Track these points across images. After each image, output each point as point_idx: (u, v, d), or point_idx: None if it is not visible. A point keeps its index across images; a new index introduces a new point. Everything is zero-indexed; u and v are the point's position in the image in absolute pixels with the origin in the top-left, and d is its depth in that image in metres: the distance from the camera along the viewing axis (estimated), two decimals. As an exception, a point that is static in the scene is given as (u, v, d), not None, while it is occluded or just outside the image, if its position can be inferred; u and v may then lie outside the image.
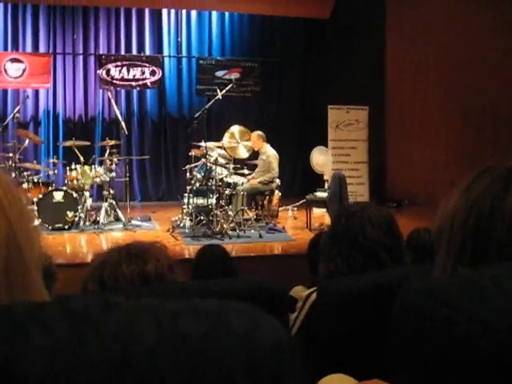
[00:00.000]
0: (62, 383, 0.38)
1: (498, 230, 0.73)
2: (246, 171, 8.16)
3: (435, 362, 0.54)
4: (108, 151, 8.27)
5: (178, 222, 7.75)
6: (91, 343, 0.40)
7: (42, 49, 11.04)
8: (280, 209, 8.77)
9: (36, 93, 10.96)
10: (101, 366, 0.39)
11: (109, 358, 0.39)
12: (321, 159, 9.52)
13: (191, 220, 7.51)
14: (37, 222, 7.53)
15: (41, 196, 7.61)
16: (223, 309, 0.45)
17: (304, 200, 8.61)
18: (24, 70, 10.70)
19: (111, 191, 8.17)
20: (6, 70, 10.62)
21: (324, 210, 8.26)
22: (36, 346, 0.39)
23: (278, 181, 8.43)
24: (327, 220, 8.13)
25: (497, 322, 0.49)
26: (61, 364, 0.38)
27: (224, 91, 8.34)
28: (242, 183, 7.81)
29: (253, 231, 7.46)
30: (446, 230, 0.80)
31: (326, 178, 9.16)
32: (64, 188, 7.90)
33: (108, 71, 11.07)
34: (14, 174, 7.89)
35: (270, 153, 8.20)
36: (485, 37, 8.05)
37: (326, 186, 8.70)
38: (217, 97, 8.25)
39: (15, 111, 8.61)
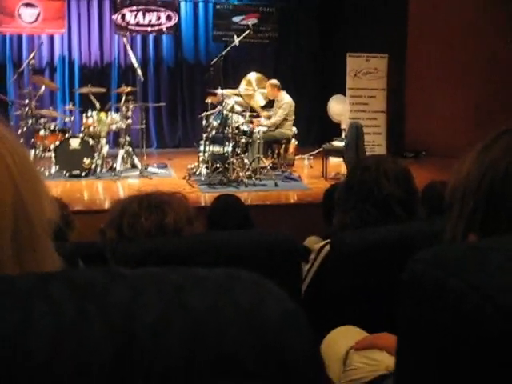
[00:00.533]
0: (66, 359, 0.38)
1: (511, 198, 0.71)
2: (263, 120, 8.08)
3: (440, 335, 0.53)
4: (124, 98, 8.23)
5: (194, 170, 7.76)
6: (95, 318, 0.39)
7: (56, -7, 10.86)
8: (296, 157, 8.73)
9: (51, 38, 10.84)
10: (105, 342, 0.38)
11: (112, 333, 0.39)
12: (338, 108, 9.41)
13: (207, 168, 7.52)
14: (53, 170, 7.58)
15: (58, 143, 7.63)
16: (229, 281, 0.44)
17: (320, 149, 8.56)
18: (38, 15, 10.57)
19: (127, 138, 8.17)
20: (20, 15, 10.49)
21: (340, 159, 8.21)
22: (40, 321, 0.38)
23: (294, 129, 8.36)
24: (343, 169, 8.09)
25: (509, 303, 0.48)
26: (65, 340, 0.38)
27: (241, 37, 8.21)
28: (259, 131, 7.75)
29: (269, 180, 7.46)
30: (459, 191, 0.78)
31: (343, 127, 9.07)
32: (80, 135, 7.91)
33: (123, 16, 10.90)
34: (30, 121, 7.91)
35: (284, 100, 8.08)
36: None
37: (343, 135, 8.62)
38: (234, 43, 8.12)
39: (30, 57, 8.56)
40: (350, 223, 1.91)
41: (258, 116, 8.25)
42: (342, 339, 1.37)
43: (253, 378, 0.40)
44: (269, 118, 8.17)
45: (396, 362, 0.66)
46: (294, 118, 8.16)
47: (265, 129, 7.92)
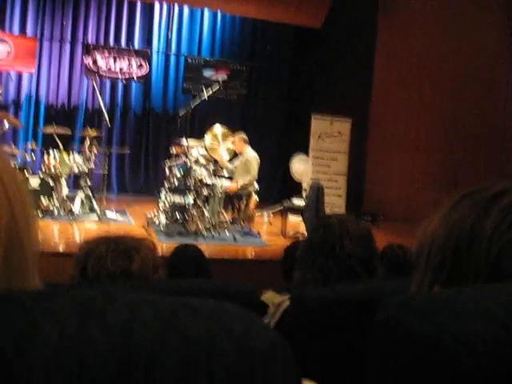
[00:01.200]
0: (69, 372, 0.38)
1: (476, 254, 0.76)
2: (225, 173, 8.13)
3: (414, 376, 0.55)
4: (89, 141, 8.19)
5: (154, 218, 7.71)
6: (97, 334, 0.40)
7: (29, 32, 10.90)
8: (256, 213, 8.77)
9: (19, 76, 10.82)
10: (106, 357, 0.39)
11: (113, 349, 0.40)
12: (300, 167, 9.56)
13: (167, 218, 7.47)
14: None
15: (16, 181, 7.49)
16: (220, 308, 0.46)
17: (281, 206, 8.63)
18: (9, 52, 10.56)
19: (88, 182, 8.09)
20: (-10, 51, 10.47)
21: (300, 218, 8.29)
22: (44, 334, 0.39)
23: (256, 185, 8.43)
24: (302, 228, 8.15)
25: (480, 342, 0.50)
26: (67, 353, 0.39)
27: (211, 92, 8.33)
28: (221, 185, 7.78)
29: (228, 234, 7.45)
30: (426, 250, 0.83)
31: (304, 186, 9.18)
32: (40, 175, 7.81)
33: (95, 61, 10.98)
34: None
35: (250, 155, 8.18)
36: (476, 59, 8.15)
37: (304, 194, 8.73)
38: (203, 97, 8.24)
39: (-3, 93, 8.50)
40: (311, 279, 1.93)
41: (222, 169, 8.29)
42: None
43: None
44: (232, 172, 8.23)
45: None
46: (256, 173, 8.25)
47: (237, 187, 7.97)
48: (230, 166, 8.35)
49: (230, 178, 8.22)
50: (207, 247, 6.71)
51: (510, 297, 0.55)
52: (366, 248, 1.97)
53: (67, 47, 11.09)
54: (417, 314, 0.55)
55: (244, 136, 8.32)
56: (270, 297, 2.57)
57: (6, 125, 8.24)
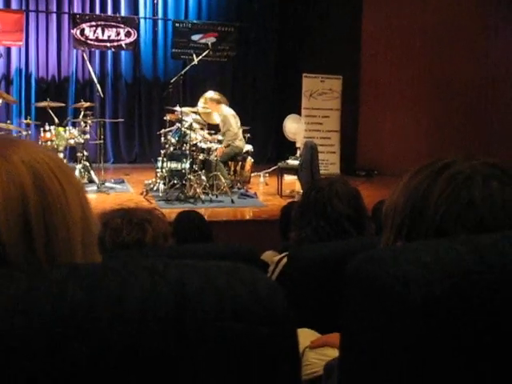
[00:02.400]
0: (154, 310, 0.55)
1: (426, 215, 0.95)
2: (219, 137, 8.24)
3: (373, 314, 0.72)
4: (82, 113, 8.28)
5: (152, 186, 7.86)
6: (163, 289, 0.56)
7: (14, 5, 10.83)
8: (252, 175, 8.92)
9: (8, 51, 10.80)
10: (170, 303, 0.55)
11: (175, 296, 0.56)
12: (293, 127, 9.66)
13: (165, 184, 7.62)
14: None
15: (14, 156, 7.60)
16: (236, 267, 0.62)
17: (276, 167, 8.78)
18: (-4, 27, 10.52)
19: (85, 153, 8.21)
20: (-24, 26, 10.43)
21: (295, 177, 8.43)
22: (135, 290, 0.56)
23: (250, 147, 8.56)
24: (298, 187, 8.31)
25: (412, 281, 0.67)
26: (150, 301, 0.55)
27: (201, 56, 8.38)
28: (216, 148, 7.90)
29: (225, 196, 7.61)
30: (390, 213, 1.02)
31: (298, 145, 9.31)
32: (38, 149, 7.89)
33: (82, 31, 10.94)
34: (-14, 134, 7.88)
35: (225, 112, 8.22)
36: (466, 10, 8.17)
37: (298, 153, 8.86)
38: (193, 62, 8.30)
39: (-12, 69, 8.52)
40: (306, 238, 2.10)
41: (216, 133, 8.40)
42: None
43: (257, 325, 0.58)
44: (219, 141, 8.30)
45: (340, 351, 0.84)
46: (241, 129, 8.32)
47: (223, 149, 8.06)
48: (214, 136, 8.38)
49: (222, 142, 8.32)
50: (206, 210, 6.88)
51: (439, 250, 0.71)
52: (355, 207, 2.16)
53: (54, 19, 11.04)
54: (376, 264, 0.71)
55: (214, 96, 8.36)
56: (269, 255, 2.75)
57: (0, 101, 8.31)
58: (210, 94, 8.43)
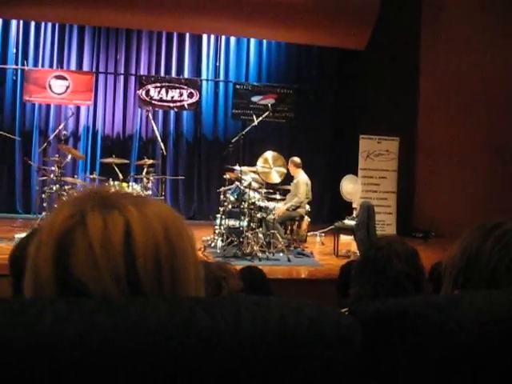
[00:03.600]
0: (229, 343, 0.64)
1: (480, 266, 1.11)
2: (278, 196, 8.38)
3: (428, 350, 0.81)
4: (145, 169, 8.58)
5: (210, 242, 8.00)
6: (246, 324, 0.65)
7: (85, 67, 11.48)
8: (309, 234, 8.96)
9: (77, 109, 11.37)
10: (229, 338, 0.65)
11: (239, 332, 0.64)
12: (350, 187, 9.71)
13: (222, 240, 7.75)
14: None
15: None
16: (301, 304, 0.72)
17: (332, 226, 8.80)
18: (67, 87, 11.13)
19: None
20: (50, 86, 11.06)
21: (351, 237, 8.43)
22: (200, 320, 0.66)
23: (307, 207, 8.64)
24: (354, 247, 8.29)
25: (468, 325, 0.76)
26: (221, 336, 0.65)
27: (261, 118, 8.62)
28: (274, 207, 8.03)
29: (282, 254, 7.67)
30: (449, 266, 1.19)
31: (354, 205, 9.33)
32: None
33: (147, 91, 11.45)
34: (54, 187, 8.25)
35: (299, 178, 8.43)
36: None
37: (355, 213, 8.87)
38: (254, 123, 8.54)
39: (60, 127, 9.00)
40: (365, 295, 2.15)
41: (274, 193, 8.55)
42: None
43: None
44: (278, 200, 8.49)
45: None
46: (310, 197, 8.48)
47: (284, 209, 8.21)
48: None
49: (283, 201, 8.46)
50: (262, 268, 6.92)
51: (491, 297, 0.82)
52: (413, 266, 2.22)
53: (121, 80, 11.62)
54: (435, 308, 0.81)
55: (295, 159, 8.59)
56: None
57: (69, 157, 8.72)
58: (295, 157, 8.66)
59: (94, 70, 11.50)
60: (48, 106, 11.34)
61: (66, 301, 0.63)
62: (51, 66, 11.33)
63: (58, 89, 11.11)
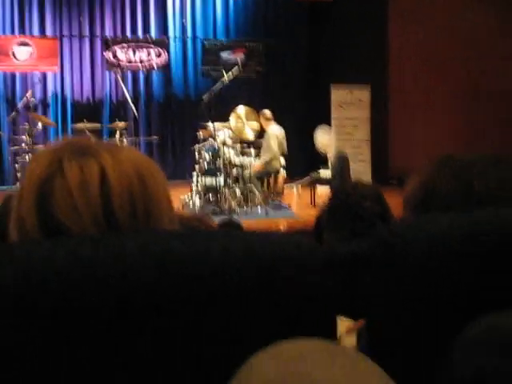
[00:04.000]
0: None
1: (436, 196, 1.18)
2: (253, 151, 8.40)
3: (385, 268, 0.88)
4: (118, 133, 8.52)
5: (188, 201, 8.04)
6: (193, 250, 0.72)
7: (48, 32, 11.22)
8: (285, 186, 9.03)
9: (44, 76, 11.16)
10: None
11: (210, 257, 0.71)
12: (324, 138, 9.74)
13: (200, 198, 7.80)
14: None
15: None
16: (284, 235, 0.77)
17: (308, 178, 8.88)
18: (31, 54, 10.90)
19: (121, 171, 8.40)
20: (14, 54, 10.82)
21: (328, 187, 8.52)
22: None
23: (282, 160, 8.68)
24: (331, 197, 8.36)
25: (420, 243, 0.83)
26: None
27: (231, 75, 8.55)
28: (250, 163, 8.06)
29: (259, 208, 7.74)
30: (409, 199, 1.26)
31: (329, 156, 9.40)
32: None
33: (114, 53, 11.27)
34: (27, 157, 8.16)
35: (269, 132, 8.40)
36: (498, 17, 8.18)
37: (330, 164, 8.95)
38: (224, 81, 8.48)
39: (28, 95, 8.84)
40: (340, 239, 2.23)
41: (249, 147, 8.56)
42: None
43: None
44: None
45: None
46: (285, 150, 8.49)
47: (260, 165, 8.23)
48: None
49: (258, 156, 8.48)
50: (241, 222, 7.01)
51: (442, 221, 0.88)
52: (382, 205, 2.29)
53: (87, 43, 11.39)
54: (400, 233, 0.88)
55: (266, 112, 8.53)
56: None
57: (39, 125, 8.61)
58: (265, 111, 8.59)
59: (57, 34, 11.24)
60: (13, 74, 11.11)
61: (51, 241, 0.67)
62: (13, 32, 11.04)
63: (22, 55, 10.87)
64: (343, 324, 1.72)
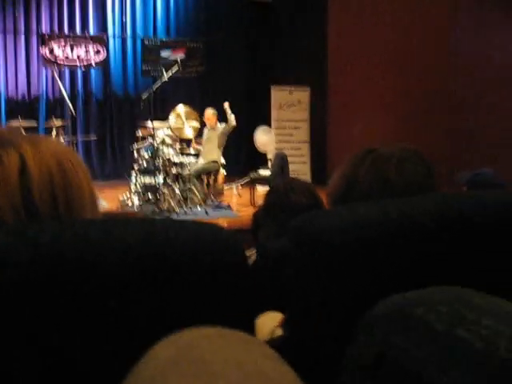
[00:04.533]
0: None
1: (356, 189, 1.23)
2: (192, 151, 8.39)
3: (302, 258, 0.92)
4: (54, 131, 8.34)
5: (127, 201, 7.95)
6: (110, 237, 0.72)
7: (-19, 26, 10.88)
8: (225, 187, 9.06)
9: (-24, 71, 10.82)
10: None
11: (128, 244, 0.71)
12: (264, 139, 9.85)
13: (139, 199, 7.73)
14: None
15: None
16: (202, 224, 0.78)
17: (248, 178, 8.94)
18: (-37, 48, 10.54)
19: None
20: None
21: (267, 187, 8.59)
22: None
23: (222, 160, 8.71)
24: (270, 197, 8.45)
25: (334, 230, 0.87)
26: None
27: (170, 72, 8.52)
28: (189, 163, 8.05)
29: (199, 209, 7.74)
30: (331, 193, 1.31)
31: (269, 156, 9.50)
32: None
33: (52, 50, 11.02)
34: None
35: (221, 130, 8.48)
36: (437, 18, 8.40)
37: (269, 164, 9.04)
38: (163, 79, 8.44)
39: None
40: (273, 234, 2.27)
41: (189, 146, 8.55)
42: (267, 321, 1.71)
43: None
44: (198, 151, 8.51)
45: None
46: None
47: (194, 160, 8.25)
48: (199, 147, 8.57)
49: (196, 155, 8.48)
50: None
51: (353, 209, 0.91)
52: (310, 197, 2.34)
53: (22, 39, 11.08)
54: (308, 221, 0.92)
55: (216, 111, 8.59)
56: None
57: (-29, 122, 8.34)
58: (212, 109, 8.61)
59: (-9, 28, 10.91)
60: None
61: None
62: None
63: (-46, 50, 10.49)
64: (274, 317, 1.76)
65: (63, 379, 0.67)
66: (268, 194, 2.48)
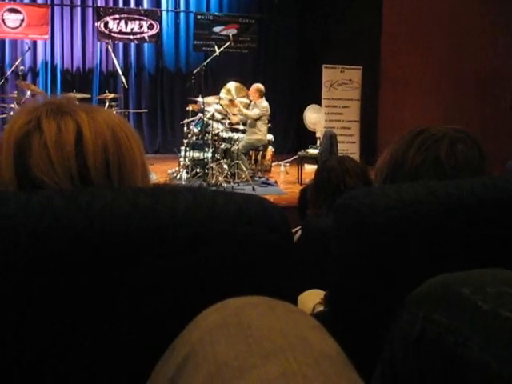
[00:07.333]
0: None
1: (404, 168, 1.21)
2: (241, 126, 8.41)
3: (346, 235, 0.92)
4: (107, 104, 8.49)
5: (175, 174, 8.06)
6: (200, 201, 0.74)
7: (39, 0, 11.09)
8: (273, 164, 9.07)
9: (34, 44, 11.06)
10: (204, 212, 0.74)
11: (176, 211, 0.73)
12: (314, 117, 9.79)
13: (187, 172, 7.82)
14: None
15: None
16: (250, 195, 0.80)
17: (296, 156, 8.92)
18: (22, 21, 10.77)
19: (110, 143, 8.40)
20: (4, 21, 10.69)
21: (315, 166, 8.56)
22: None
23: (271, 136, 8.71)
24: (318, 176, 8.42)
25: (378, 208, 0.88)
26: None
27: (222, 48, 8.52)
28: (238, 138, 8.07)
29: (246, 184, 7.78)
30: (379, 171, 1.29)
31: (318, 135, 9.44)
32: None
33: (106, 24, 11.17)
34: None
35: (264, 104, 8.31)
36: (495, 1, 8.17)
37: (318, 143, 8.99)
38: (215, 54, 8.45)
39: (17, 63, 8.76)
40: (322, 214, 2.27)
41: (238, 123, 8.55)
42: (309, 298, 1.72)
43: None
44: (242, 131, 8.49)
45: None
46: (269, 125, 8.45)
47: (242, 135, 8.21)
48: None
49: (245, 131, 8.48)
50: (228, 198, 7.04)
51: (401, 188, 0.92)
52: (365, 181, 2.32)
53: (78, 12, 11.27)
54: (353, 199, 0.93)
55: (260, 87, 8.43)
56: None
57: (28, 93, 8.55)
58: (259, 85, 8.46)
59: (49, 2, 11.11)
60: (3, 41, 10.97)
61: (27, 193, 0.70)
62: (3, -2, 10.91)
63: (13, 23, 10.74)
64: (317, 294, 1.77)
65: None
66: (320, 173, 2.47)
